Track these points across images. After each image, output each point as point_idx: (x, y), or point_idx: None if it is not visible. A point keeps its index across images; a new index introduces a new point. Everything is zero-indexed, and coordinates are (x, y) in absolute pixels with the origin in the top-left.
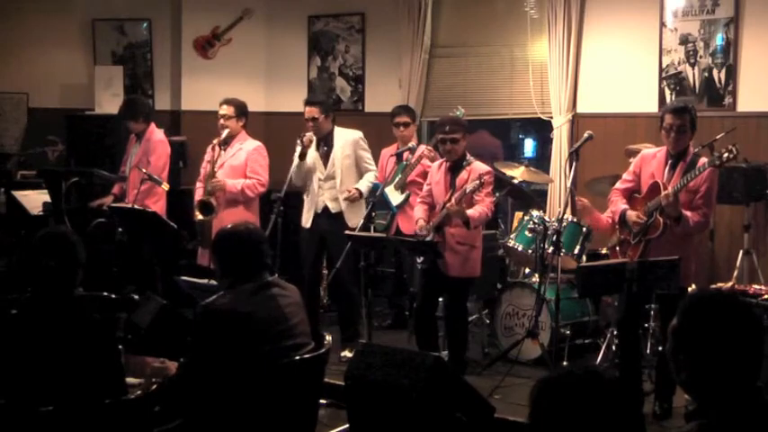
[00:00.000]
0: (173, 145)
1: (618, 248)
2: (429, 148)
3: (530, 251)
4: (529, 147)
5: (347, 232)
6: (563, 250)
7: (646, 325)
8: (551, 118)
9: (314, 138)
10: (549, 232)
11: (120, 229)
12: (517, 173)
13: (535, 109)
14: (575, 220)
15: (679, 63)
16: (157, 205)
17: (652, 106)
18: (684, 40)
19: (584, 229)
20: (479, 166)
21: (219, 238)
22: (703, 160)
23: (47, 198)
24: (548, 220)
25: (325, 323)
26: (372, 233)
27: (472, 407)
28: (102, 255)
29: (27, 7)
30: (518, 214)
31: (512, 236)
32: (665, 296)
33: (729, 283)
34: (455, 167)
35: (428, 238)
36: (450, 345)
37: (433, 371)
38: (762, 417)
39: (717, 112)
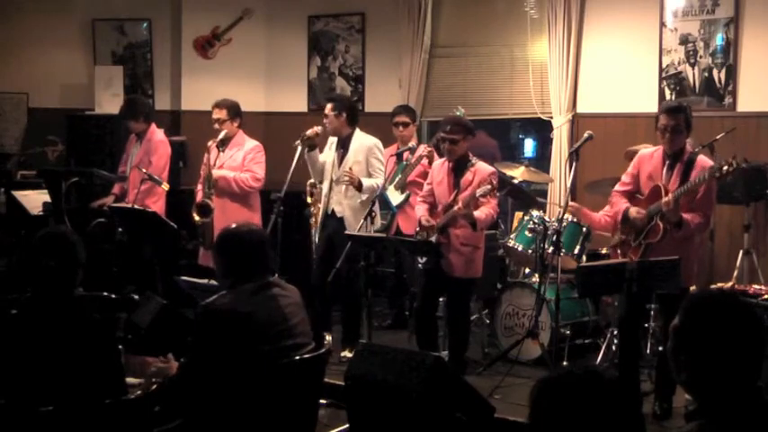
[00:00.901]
0: (173, 145)
1: (619, 250)
2: (429, 148)
3: (530, 251)
4: (529, 147)
5: (347, 232)
6: (563, 250)
7: (646, 325)
8: (551, 118)
9: (319, 130)
10: (549, 232)
11: (120, 229)
12: (517, 173)
13: (535, 109)
14: (575, 220)
15: (679, 63)
16: (157, 205)
17: (652, 106)
18: (684, 40)
19: (584, 229)
20: (484, 168)
21: (223, 238)
22: (701, 158)
23: (47, 198)
24: (548, 220)
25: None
26: (372, 233)
27: (472, 407)
28: (102, 255)
29: (27, 7)
30: (518, 214)
31: (512, 236)
32: (667, 296)
33: (729, 283)
34: (458, 168)
35: (432, 239)
36: (451, 345)
37: (433, 371)
38: (762, 417)
39: (717, 112)
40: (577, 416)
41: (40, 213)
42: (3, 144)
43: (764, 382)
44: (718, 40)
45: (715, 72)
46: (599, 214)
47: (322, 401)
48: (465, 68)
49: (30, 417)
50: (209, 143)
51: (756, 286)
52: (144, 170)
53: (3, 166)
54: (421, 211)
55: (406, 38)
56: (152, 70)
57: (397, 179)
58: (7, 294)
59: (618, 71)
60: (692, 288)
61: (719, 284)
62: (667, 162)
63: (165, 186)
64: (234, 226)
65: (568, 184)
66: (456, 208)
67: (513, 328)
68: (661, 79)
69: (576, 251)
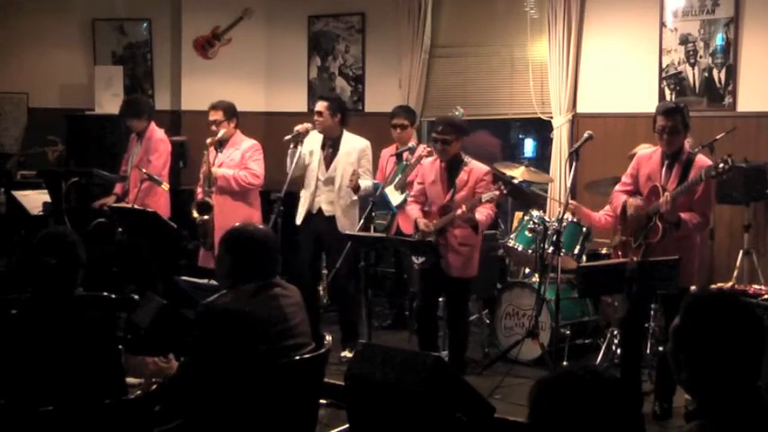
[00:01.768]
0: (173, 145)
1: (620, 251)
2: (429, 148)
3: (530, 251)
4: (529, 147)
5: (347, 232)
6: (563, 250)
7: (646, 325)
8: (551, 118)
9: (310, 127)
10: (549, 232)
11: (120, 229)
12: (517, 173)
13: (535, 109)
14: (575, 220)
15: (679, 63)
16: (159, 204)
17: (652, 106)
18: (684, 40)
19: (585, 229)
20: (478, 167)
21: (231, 235)
22: (700, 158)
23: (47, 198)
24: (548, 220)
25: (325, 323)
26: (372, 233)
27: (472, 407)
28: (103, 255)
29: (27, 7)
30: (518, 214)
31: (512, 236)
32: (668, 296)
33: (729, 283)
34: (452, 168)
35: (429, 239)
36: (451, 345)
37: (433, 371)
38: (762, 417)
39: (717, 112)
40: (577, 416)
41: (40, 213)
42: (3, 144)
43: (764, 382)
44: (718, 40)
45: (715, 72)
46: (599, 213)
47: (322, 401)
48: (465, 68)
49: (30, 417)
50: (209, 140)
51: (756, 286)
52: (144, 170)
53: (3, 166)
54: (415, 212)
55: (406, 38)
56: (152, 70)
57: (397, 179)
58: (7, 294)
59: (618, 71)
60: (693, 288)
61: (719, 284)
62: (666, 162)
63: (165, 186)
64: (242, 224)
65: (568, 184)
66: (459, 212)
67: (512, 328)
68: (661, 79)
69: (576, 251)
